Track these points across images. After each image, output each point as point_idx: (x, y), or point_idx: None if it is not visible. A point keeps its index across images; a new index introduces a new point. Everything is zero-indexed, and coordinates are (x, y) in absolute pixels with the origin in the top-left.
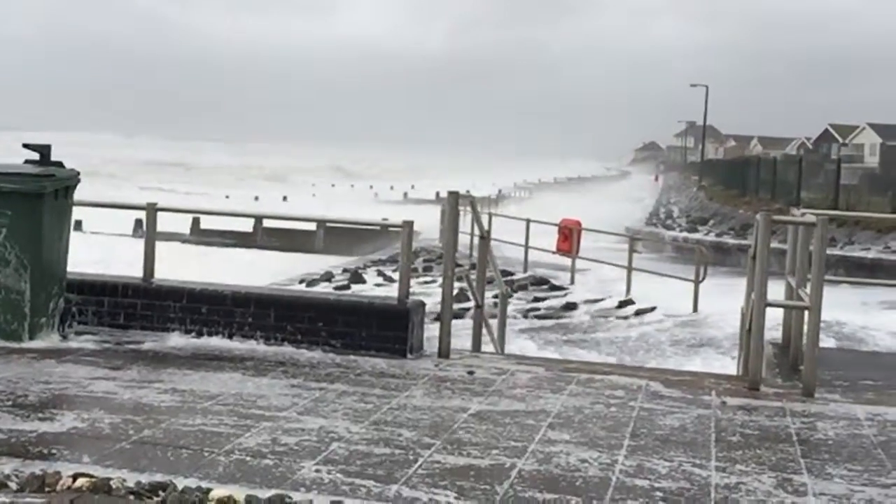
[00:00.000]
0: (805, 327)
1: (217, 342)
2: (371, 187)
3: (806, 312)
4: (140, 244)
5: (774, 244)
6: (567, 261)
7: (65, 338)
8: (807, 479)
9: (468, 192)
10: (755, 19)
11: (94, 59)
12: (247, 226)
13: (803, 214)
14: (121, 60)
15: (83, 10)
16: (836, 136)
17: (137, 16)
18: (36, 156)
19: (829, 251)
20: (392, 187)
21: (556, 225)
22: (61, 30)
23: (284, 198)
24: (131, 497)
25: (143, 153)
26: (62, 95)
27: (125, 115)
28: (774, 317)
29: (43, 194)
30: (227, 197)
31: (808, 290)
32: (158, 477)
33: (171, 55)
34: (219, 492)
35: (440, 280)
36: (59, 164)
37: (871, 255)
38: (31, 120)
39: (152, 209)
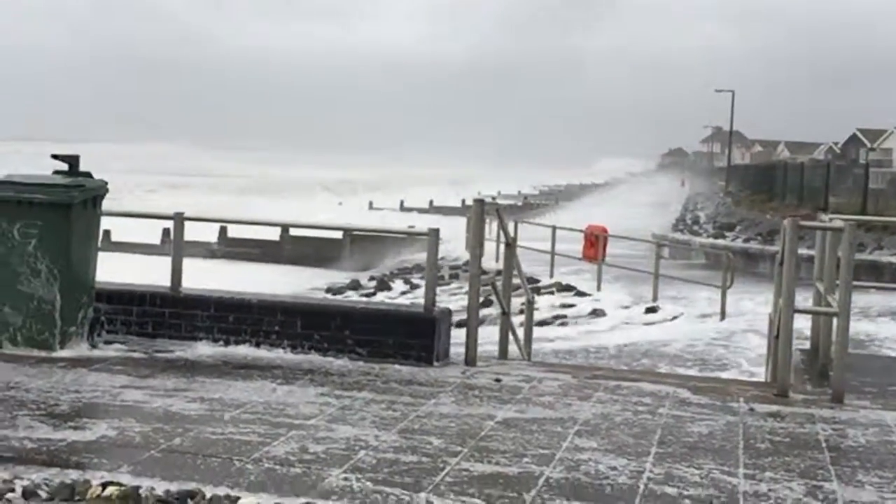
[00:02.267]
0: (834, 333)
1: (244, 350)
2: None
3: (834, 318)
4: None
5: (802, 250)
6: (594, 267)
7: (94, 347)
8: (836, 487)
9: (494, 198)
10: (782, 24)
11: (119, 68)
12: (274, 234)
13: (831, 220)
14: (141, 68)
15: (108, 16)
16: (864, 140)
17: (160, 21)
18: (65, 166)
19: (857, 256)
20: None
21: (581, 231)
22: (87, 38)
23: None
24: None
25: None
26: (91, 105)
27: (143, 122)
28: (803, 323)
29: (72, 205)
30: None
31: (836, 295)
32: (188, 485)
33: (192, 62)
34: (247, 500)
35: (466, 287)
36: (88, 175)
37: None
38: (68, 131)
39: (180, 218)
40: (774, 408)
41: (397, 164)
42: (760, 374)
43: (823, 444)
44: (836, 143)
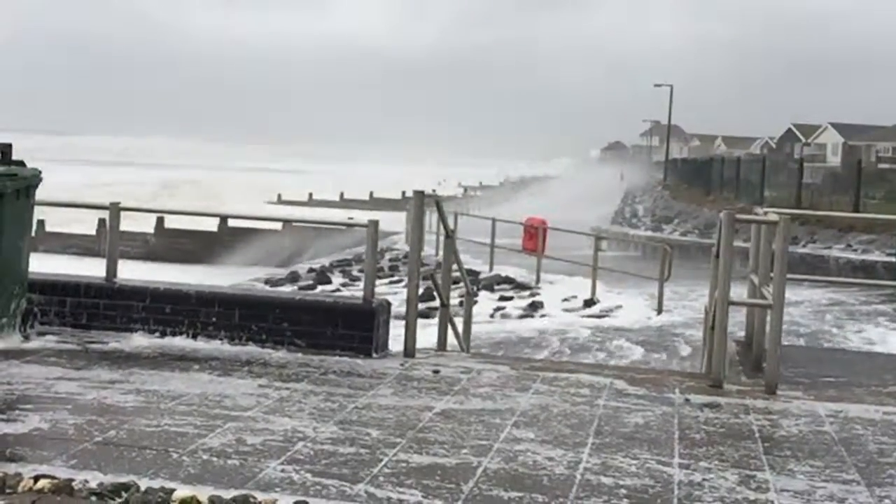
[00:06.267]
0: (767, 325)
1: (181, 342)
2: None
3: (768, 310)
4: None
5: (738, 243)
6: (533, 259)
7: (27, 338)
8: (769, 476)
9: (434, 191)
10: (724, 22)
11: (76, 60)
12: (212, 226)
13: (766, 213)
14: (103, 60)
15: (65, 9)
16: (799, 135)
17: (120, 13)
18: None
19: (791, 249)
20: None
21: (521, 224)
22: (42, 31)
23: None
24: (93, 498)
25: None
26: (49, 97)
27: (103, 115)
28: (739, 315)
29: (4, 194)
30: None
31: (770, 288)
32: (122, 478)
33: (155, 53)
34: (182, 492)
35: (406, 280)
36: (21, 163)
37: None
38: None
39: (115, 209)
40: (709, 398)
41: (344, 158)
42: (695, 365)
43: (757, 435)
44: (771, 138)
